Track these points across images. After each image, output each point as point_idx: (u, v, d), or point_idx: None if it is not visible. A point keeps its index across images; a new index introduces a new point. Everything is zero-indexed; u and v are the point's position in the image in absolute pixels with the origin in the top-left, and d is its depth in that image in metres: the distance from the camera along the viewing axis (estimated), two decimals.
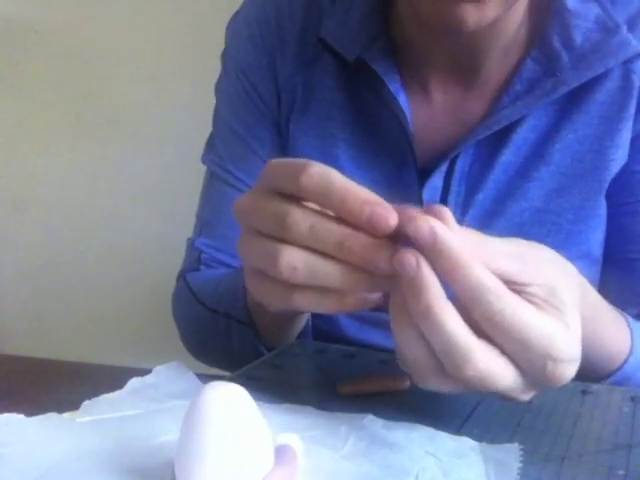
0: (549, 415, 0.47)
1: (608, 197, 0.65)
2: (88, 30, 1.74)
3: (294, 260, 0.40)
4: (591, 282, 0.56)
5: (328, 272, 0.40)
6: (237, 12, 0.76)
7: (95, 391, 0.47)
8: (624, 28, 0.61)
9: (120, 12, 1.71)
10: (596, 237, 0.67)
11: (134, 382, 0.49)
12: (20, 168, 1.83)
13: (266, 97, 0.72)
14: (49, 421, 0.43)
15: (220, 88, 0.77)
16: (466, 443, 0.41)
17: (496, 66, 0.65)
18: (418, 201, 0.65)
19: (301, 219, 0.40)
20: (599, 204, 0.65)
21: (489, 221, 0.64)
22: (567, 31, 0.62)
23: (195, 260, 0.76)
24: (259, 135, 0.73)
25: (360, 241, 0.39)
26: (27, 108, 1.80)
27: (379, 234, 0.39)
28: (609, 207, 0.66)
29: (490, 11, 0.55)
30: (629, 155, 0.64)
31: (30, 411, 0.44)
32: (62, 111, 1.78)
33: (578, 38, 0.61)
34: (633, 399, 0.50)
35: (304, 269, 0.40)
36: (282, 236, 0.41)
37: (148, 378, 0.50)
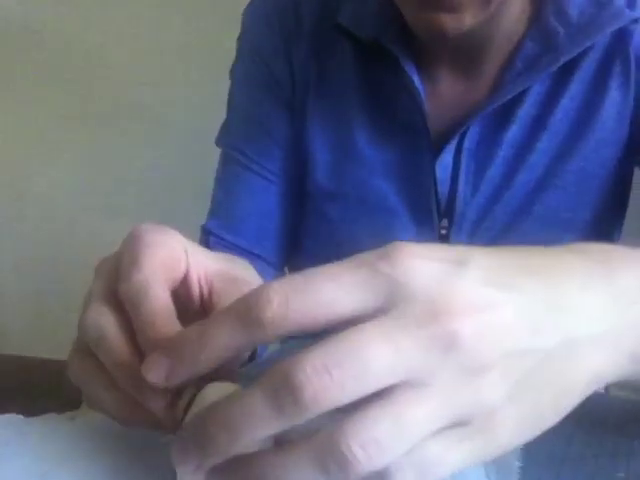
0: None
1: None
2: (88, 30, 1.75)
3: (77, 372, 0.38)
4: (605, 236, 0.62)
5: (103, 399, 0.37)
6: None
7: None
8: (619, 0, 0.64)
9: (120, 12, 1.71)
10: (600, 198, 0.68)
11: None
12: (20, 166, 1.83)
13: (281, 79, 0.73)
14: (49, 421, 0.43)
15: (235, 71, 0.78)
16: None
17: (499, 51, 0.67)
18: (432, 179, 0.67)
19: (92, 324, 0.37)
20: (597, 164, 0.67)
21: (499, 195, 0.67)
22: (562, 8, 0.64)
23: (204, 245, 0.76)
24: (273, 116, 0.74)
25: (128, 374, 0.35)
26: (27, 108, 1.81)
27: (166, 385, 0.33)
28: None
29: (468, 19, 0.58)
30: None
31: (29, 411, 0.44)
32: (62, 110, 1.78)
33: (574, 14, 0.64)
34: (633, 409, 0.50)
35: (84, 390, 0.38)
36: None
37: None
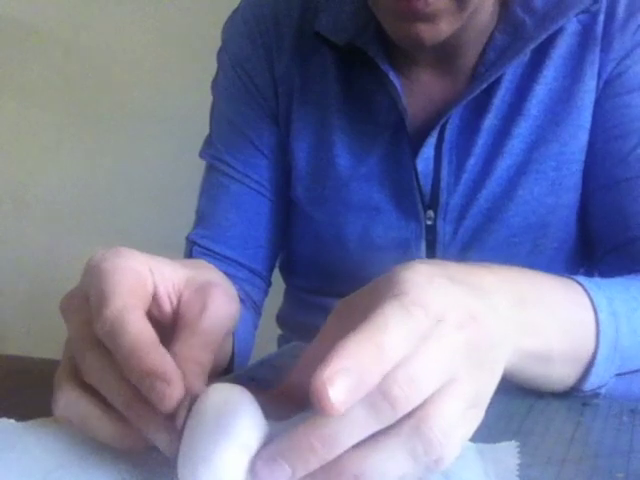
0: (549, 420, 0.47)
1: (593, 124, 0.68)
2: (88, 30, 1.75)
3: (67, 407, 0.39)
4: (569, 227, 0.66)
5: (99, 427, 0.38)
6: (233, 12, 0.78)
7: None
8: None
9: (120, 12, 1.71)
10: (581, 182, 0.70)
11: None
12: (20, 168, 1.83)
13: (263, 89, 0.74)
14: (42, 425, 0.43)
15: (217, 85, 0.79)
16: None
17: (473, 46, 0.69)
18: (413, 173, 0.68)
19: (94, 361, 0.39)
20: (577, 149, 0.68)
21: (481, 182, 0.68)
22: (528, 1, 0.66)
23: (187, 256, 0.76)
24: (256, 126, 0.75)
25: (138, 411, 0.37)
26: (27, 108, 1.81)
27: (162, 410, 0.36)
28: (593, 134, 0.68)
29: (444, 27, 0.60)
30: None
31: (29, 411, 0.44)
32: (62, 111, 1.78)
33: (538, 3, 0.66)
34: (632, 411, 0.50)
35: (76, 420, 0.39)
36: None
37: None
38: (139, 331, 0.38)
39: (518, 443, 0.41)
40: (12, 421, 0.44)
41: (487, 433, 0.44)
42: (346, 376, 0.31)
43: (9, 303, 1.88)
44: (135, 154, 1.74)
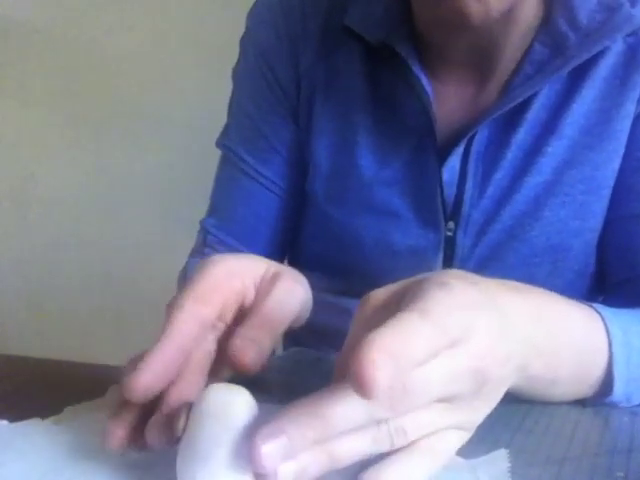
0: (550, 419, 0.47)
1: (625, 150, 0.66)
2: (88, 30, 1.75)
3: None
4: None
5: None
6: None
7: (90, 393, 0.48)
8: (627, 4, 0.63)
9: (120, 12, 1.72)
10: (606, 207, 0.68)
11: (115, 388, 0.48)
12: (20, 167, 1.84)
13: (284, 82, 0.72)
14: (33, 427, 0.43)
15: (237, 72, 0.77)
16: (453, 459, 0.41)
17: (509, 55, 0.66)
18: (438, 182, 0.66)
19: None
20: (609, 174, 0.66)
21: (507, 198, 0.66)
22: (572, 13, 0.63)
23: (201, 243, 0.76)
24: (273, 122, 0.73)
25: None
26: (27, 108, 1.81)
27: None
28: (624, 161, 0.67)
29: (495, 5, 0.56)
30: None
31: (28, 411, 0.44)
32: (62, 111, 1.78)
33: (584, 19, 0.63)
34: (632, 413, 0.50)
35: None
36: None
37: None
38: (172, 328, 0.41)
39: (508, 451, 0.41)
40: (5, 422, 0.44)
41: (487, 432, 0.44)
42: (388, 364, 0.31)
43: (10, 303, 1.89)
44: (135, 154, 1.74)
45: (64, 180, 1.80)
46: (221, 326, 0.45)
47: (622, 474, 0.39)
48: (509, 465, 0.39)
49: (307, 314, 0.50)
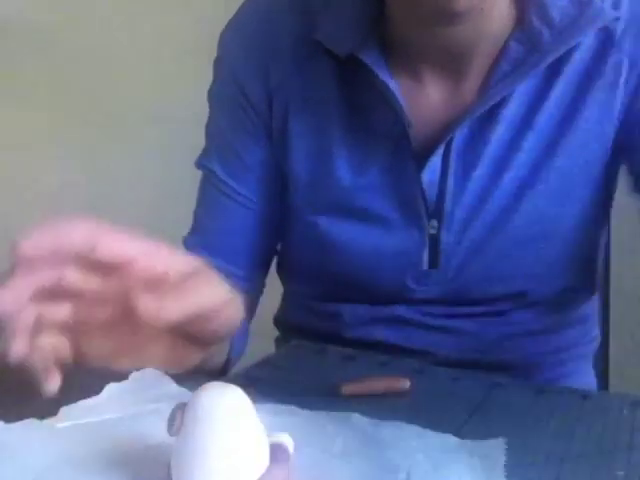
0: (549, 417, 0.47)
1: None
2: (88, 30, 1.75)
3: None
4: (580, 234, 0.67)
5: None
6: (230, 21, 0.77)
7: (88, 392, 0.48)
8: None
9: (120, 12, 1.72)
10: (586, 193, 0.70)
11: (111, 388, 0.49)
12: (22, 167, 1.84)
13: (255, 100, 0.74)
14: (30, 427, 0.43)
15: (211, 94, 0.79)
16: (449, 439, 0.41)
17: (484, 54, 0.67)
18: (418, 183, 0.68)
19: None
20: (582, 161, 0.68)
21: (487, 194, 0.68)
22: (545, 11, 0.65)
23: None
24: (244, 139, 0.75)
25: None
26: (27, 108, 1.81)
27: None
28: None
29: None
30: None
31: (27, 410, 0.45)
32: (62, 111, 1.78)
33: (556, 16, 0.65)
34: (633, 404, 0.50)
35: None
36: None
37: (125, 384, 0.49)
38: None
39: (506, 440, 0.41)
40: (0, 423, 0.44)
41: (487, 429, 0.44)
42: None
43: None
44: (135, 155, 1.74)
45: (64, 180, 1.80)
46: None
47: (622, 472, 0.39)
48: (505, 447, 0.39)
49: (236, 318, 0.53)
